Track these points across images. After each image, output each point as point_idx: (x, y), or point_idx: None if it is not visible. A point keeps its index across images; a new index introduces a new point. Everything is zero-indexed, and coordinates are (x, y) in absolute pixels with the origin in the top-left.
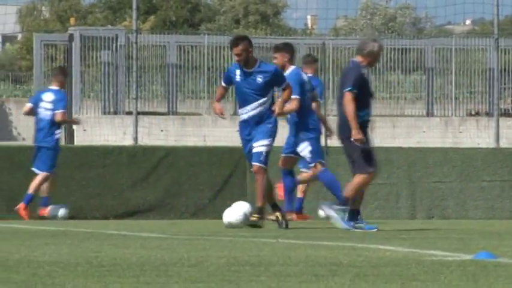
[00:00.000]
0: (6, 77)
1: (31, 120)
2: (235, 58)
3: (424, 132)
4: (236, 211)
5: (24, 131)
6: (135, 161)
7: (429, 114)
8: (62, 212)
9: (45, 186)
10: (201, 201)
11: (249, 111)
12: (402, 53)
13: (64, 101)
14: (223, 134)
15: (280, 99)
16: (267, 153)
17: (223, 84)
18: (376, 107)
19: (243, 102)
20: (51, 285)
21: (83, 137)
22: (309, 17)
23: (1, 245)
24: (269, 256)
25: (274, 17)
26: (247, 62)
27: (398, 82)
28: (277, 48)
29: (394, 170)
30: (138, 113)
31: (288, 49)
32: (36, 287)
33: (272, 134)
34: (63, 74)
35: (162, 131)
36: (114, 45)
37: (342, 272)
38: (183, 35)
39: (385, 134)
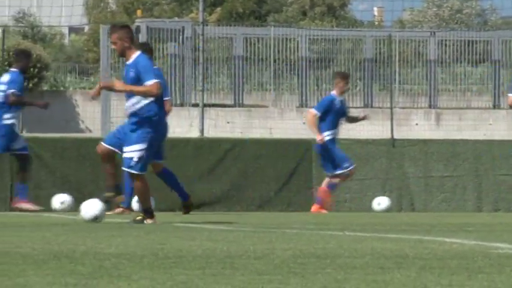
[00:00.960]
0: (73, 69)
1: (98, 112)
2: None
3: (490, 124)
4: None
5: (91, 123)
6: (201, 153)
7: (496, 106)
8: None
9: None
10: (267, 193)
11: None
12: (469, 45)
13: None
14: (289, 126)
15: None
16: (139, 158)
17: None
18: (443, 100)
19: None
20: (117, 276)
21: None
22: (375, 8)
23: (68, 236)
24: (335, 248)
25: (341, 8)
26: (123, 53)
27: (465, 74)
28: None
29: (461, 162)
30: (205, 105)
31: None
32: (103, 279)
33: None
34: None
35: (228, 123)
36: (181, 37)
37: (408, 265)
38: (250, 27)
39: (451, 127)
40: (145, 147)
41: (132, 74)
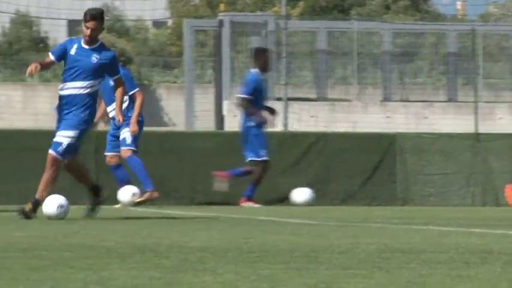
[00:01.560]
0: (156, 63)
1: (182, 106)
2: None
3: None
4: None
5: (175, 117)
6: (285, 147)
7: None
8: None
9: None
10: (350, 187)
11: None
12: None
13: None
14: (373, 120)
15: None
16: (68, 145)
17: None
18: None
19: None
20: (202, 270)
21: (233, 122)
22: (458, 2)
23: (152, 230)
24: (419, 243)
25: (424, 2)
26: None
27: None
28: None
29: None
30: (288, 99)
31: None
32: (187, 273)
33: (79, 127)
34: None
35: (312, 117)
36: (264, 31)
37: (493, 260)
38: (333, 20)
39: None
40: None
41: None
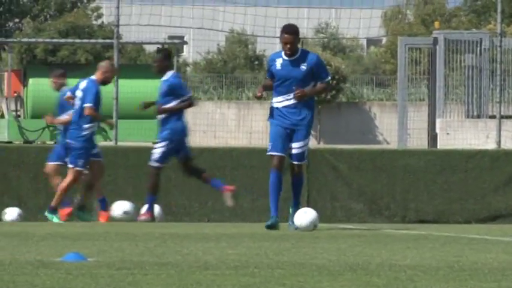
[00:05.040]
0: (370, 81)
1: (394, 123)
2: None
3: None
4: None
5: (388, 134)
6: (497, 165)
7: None
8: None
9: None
10: None
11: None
12: None
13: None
14: None
15: None
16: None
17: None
18: None
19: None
20: None
21: (446, 140)
22: None
23: (363, 248)
24: None
25: None
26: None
27: None
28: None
29: None
30: (502, 117)
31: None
32: None
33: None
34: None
35: None
36: (478, 48)
37: None
38: None
39: None
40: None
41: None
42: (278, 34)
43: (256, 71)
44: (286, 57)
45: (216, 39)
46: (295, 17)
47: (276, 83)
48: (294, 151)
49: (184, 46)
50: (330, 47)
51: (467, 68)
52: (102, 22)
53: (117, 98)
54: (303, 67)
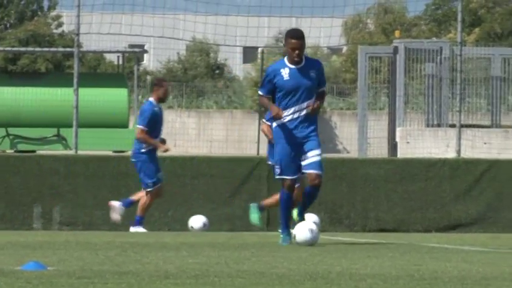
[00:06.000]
0: (331, 90)
1: (355, 132)
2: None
3: None
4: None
5: (348, 144)
6: (457, 173)
7: None
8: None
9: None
10: None
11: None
12: None
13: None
14: None
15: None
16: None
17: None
18: None
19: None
20: None
21: (406, 149)
22: None
23: (324, 257)
24: None
25: None
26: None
27: None
28: None
29: None
30: (462, 126)
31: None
32: None
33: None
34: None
35: (485, 143)
36: (439, 57)
37: None
38: (508, 47)
39: None
40: None
41: None
42: (239, 43)
43: (216, 79)
44: (292, 66)
45: (177, 48)
46: (255, 25)
47: (281, 96)
48: (313, 159)
49: (145, 55)
50: None
51: (428, 76)
52: (63, 31)
53: (77, 107)
54: (313, 74)
